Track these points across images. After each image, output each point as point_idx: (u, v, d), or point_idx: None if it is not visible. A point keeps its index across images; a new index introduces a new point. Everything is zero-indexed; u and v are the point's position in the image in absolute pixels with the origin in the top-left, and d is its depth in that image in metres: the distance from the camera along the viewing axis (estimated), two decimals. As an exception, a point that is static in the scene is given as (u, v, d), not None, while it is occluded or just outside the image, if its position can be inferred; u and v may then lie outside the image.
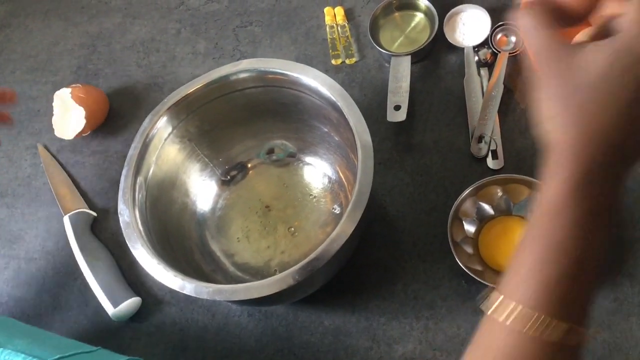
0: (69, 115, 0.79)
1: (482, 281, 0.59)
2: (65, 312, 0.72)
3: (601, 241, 0.34)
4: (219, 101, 0.67)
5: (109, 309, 0.67)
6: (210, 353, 0.66)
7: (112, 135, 0.81)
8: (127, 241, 0.59)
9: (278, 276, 0.54)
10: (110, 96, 0.83)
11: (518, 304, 0.34)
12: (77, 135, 0.78)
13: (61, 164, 0.81)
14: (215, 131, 0.70)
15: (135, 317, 0.69)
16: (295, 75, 0.63)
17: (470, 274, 0.60)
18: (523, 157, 0.68)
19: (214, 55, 0.84)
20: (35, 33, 0.94)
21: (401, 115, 0.69)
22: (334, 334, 0.64)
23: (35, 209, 0.79)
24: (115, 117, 0.81)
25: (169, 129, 0.66)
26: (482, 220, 0.65)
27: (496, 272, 0.62)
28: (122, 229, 0.59)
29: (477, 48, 0.74)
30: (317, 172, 0.71)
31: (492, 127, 0.69)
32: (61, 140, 0.82)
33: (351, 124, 0.58)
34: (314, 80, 0.61)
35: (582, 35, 0.38)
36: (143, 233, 0.59)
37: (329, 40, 0.80)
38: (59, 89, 0.85)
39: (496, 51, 0.74)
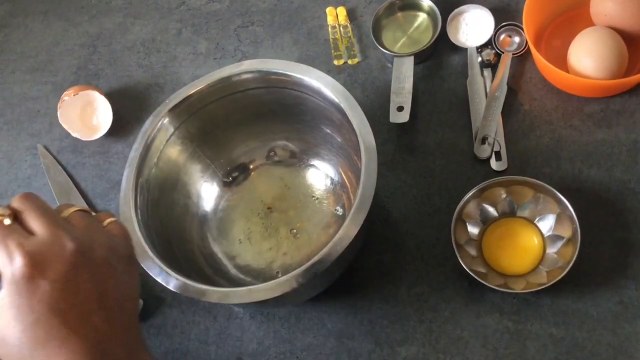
0: (94, 116, 0.80)
1: (485, 283, 0.59)
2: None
3: None
4: (221, 102, 0.66)
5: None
6: (212, 355, 0.65)
7: (112, 136, 0.81)
8: (128, 243, 0.58)
9: (281, 279, 0.53)
10: (111, 97, 0.82)
11: None
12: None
13: (61, 165, 0.80)
14: (217, 132, 0.69)
15: (137, 319, 0.69)
16: (298, 76, 0.62)
17: (474, 276, 0.59)
18: (527, 158, 0.68)
19: (215, 55, 0.84)
20: (35, 33, 0.93)
21: (404, 117, 0.69)
22: (337, 337, 0.64)
23: (35, 210, 0.78)
24: (116, 117, 0.80)
25: (171, 130, 0.65)
26: (485, 222, 0.65)
27: (500, 275, 0.62)
28: (124, 231, 0.59)
29: (480, 49, 0.74)
30: (319, 174, 0.71)
31: (496, 129, 0.69)
32: (61, 140, 0.82)
33: (354, 125, 0.58)
34: (317, 81, 0.61)
35: None
36: (145, 235, 0.59)
37: (331, 40, 0.80)
38: (59, 90, 0.85)
39: (500, 52, 0.73)
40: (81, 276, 0.40)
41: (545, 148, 0.68)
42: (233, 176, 0.73)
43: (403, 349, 0.62)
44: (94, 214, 0.46)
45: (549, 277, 0.60)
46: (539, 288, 0.58)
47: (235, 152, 0.72)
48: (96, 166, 0.79)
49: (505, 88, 0.70)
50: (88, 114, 0.80)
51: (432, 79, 0.75)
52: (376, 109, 0.73)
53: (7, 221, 0.40)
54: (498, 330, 0.61)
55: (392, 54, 0.75)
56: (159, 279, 0.56)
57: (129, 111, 0.82)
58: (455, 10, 0.76)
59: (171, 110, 0.64)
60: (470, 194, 0.63)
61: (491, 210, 0.64)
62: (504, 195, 0.64)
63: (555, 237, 0.62)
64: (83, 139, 0.79)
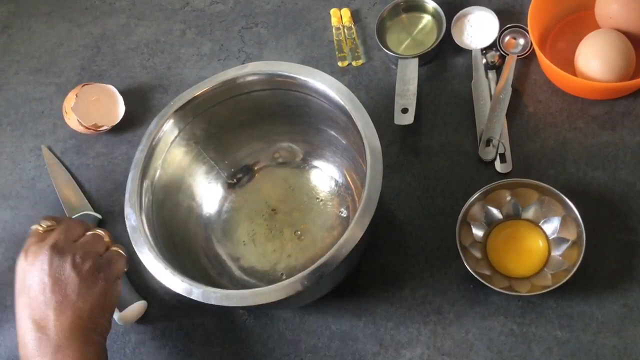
0: (108, 107, 0.80)
1: (490, 286, 0.59)
2: (70, 315, 0.71)
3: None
4: (226, 104, 0.66)
5: (115, 312, 0.67)
6: (216, 358, 0.65)
7: (116, 137, 0.81)
8: (133, 245, 0.58)
9: (286, 282, 0.53)
10: (115, 98, 0.82)
11: None
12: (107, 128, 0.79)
13: (65, 166, 0.80)
14: (222, 134, 0.69)
15: (141, 320, 0.69)
16: (303, 78, 0.62)
17: (479, 278, 0.59)
18: (531, 160, 0.68)
19: (219, 56, 0.84)
20: (38, 34, 0.93)
21: (408, 118, 0.69)
22: (341, 339, 0.64)
23: (39, 211, 0.78)
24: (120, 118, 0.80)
25: (176, 132, 0.65)
26: (490, 224, 0.65)
27: (505, 277, 0.62)
28: (129, 233, 0.59)
29: (485, 50, 0.74)
30: (323, 176, 0.71)
31: (500, 131, 0.69)
32: (65, 142, 0.82)
33: (359, 127, 0.58)
34: (322, 83, 0.61)
35: None
36: (149, 237, 0.59)
37: (335, 42, 0.80)
38: (62, 91, 0.85)
39: (504, 54, 0.73)
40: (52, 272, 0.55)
41: (550, 150, 0.68)
42: (237, 178, 0.73)
43: (407, 351, 0.62)
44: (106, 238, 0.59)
45: (553, 280, 0.59)
46: (544, 291, 0.58)
47: (239, 153, 0.72)
48: (100, 167, 0.79)
49: (509, 90, 0.70)
50: (103, 105, 0.80)
51: (437, 80, 0.75)
52: (380, 110, 0.73)
53: (40, 229, 0.58)
54: (503, 332, 0.61)
55: (397, 55, 0.75)
56: (163, 281, 0.56)
57: (133, 112, 0.82)
58: (460, 12, 0.76)
59: (176, 112, 0.64)
60: (474, 197, 0.63)
61: (496, 212, 0.64)
62: (508, 198, 0.64)
63: (560, 240, 0.62)
64: (100, 125, 0.79)
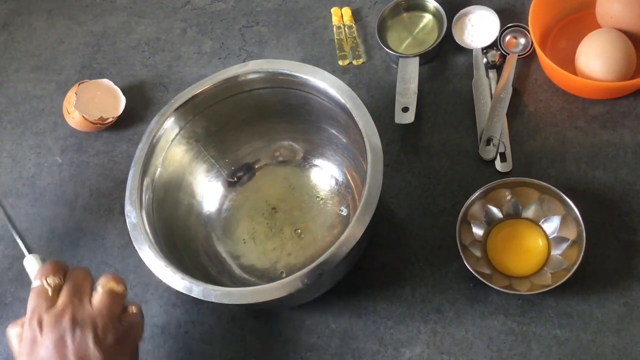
0: (109, 101, 0.81)
1: (490, 285, 0.59)
2: (70, 313, 0.71)
3: None
4: (226, 102, 0.66)
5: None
6: (216, 356, 0.65)
7: (116, 135, 0.81)
8: (134, 243, 0.58)
9: (286, 280, 0.53)
10: (115, 96, 0.82)
11: None
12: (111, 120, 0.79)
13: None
14: (222, 132, 0.69)
15: (141, 318, 0.69)
16: (304, 76, 0.62)
17: (479, 277, 0.59)
18: (532, 159, 0.68)
19: (220, 55, 0.84)
20: (39, 32, 0.93)
21: (409, 117, 0.69)
22: (341, 337, 0.64)
23: (39, 209, 0.79)
24: (120, 116, 0.80)
25: (176, 130, 0.65)
26: (490, 223, 0.65)
27: (505, 276, 0.62)
28: (129, 231, 0.59)
29: (485, 50, 0.74)
30: (324, 174, 0.71)
31: (501, 130, 0.69)
32: (65, 139, 0.82)
33: (360, 126, 0.58)
34: (323, 82, 0.61)
35: None
36: (150, 234, 0.59)
37: (336, 41, 0.80)
38: (63, 88, 0.85)
39: (505, 53, 0.73)
40: (64, 347, 0.49)
41: (550, 149, 0.68)
42: (238, 176, 0.73)
43: (407, 350, 0.62)
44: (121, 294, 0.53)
45: (553, 279, 0.60)
46: (544, 290, 0.58)
47: (240, 152, 0.72)
48: (100, 165, 0.79)
49: (510, 89, 0.70)
50: (103, 100, 0.80)
51: (438, 79, 0.75)
52: (381, 109, 0.73)
53: (47, 288, 0.52)
54: (503, 331, 0.61)
55: (397, 54, 0.75)
56: (163, 279, 0.56)
57: (134, 110, 0.82)
58: (461, 11, 0.76)
59: (177, 109, 0.64)
60: (475, 195, 0.63)
61: (496, 211, 0.64)
62: (509, 197, 0.64)
63: (560, 239, 0.62)
64: (106, 118, 0.79)
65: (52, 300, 0.50)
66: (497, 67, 0.73)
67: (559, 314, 0.61)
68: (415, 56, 0.74)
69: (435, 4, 0.77)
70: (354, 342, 0.63)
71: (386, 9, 0.78)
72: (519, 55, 0.73)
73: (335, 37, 0.80)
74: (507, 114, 0.70)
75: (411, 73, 0.72)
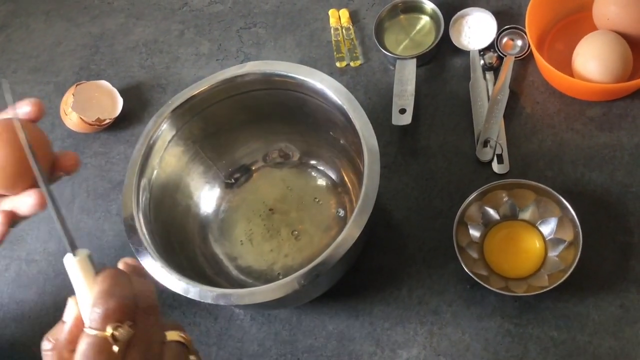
0: (106, 102, 0.81)
1: (487, 286, 0.59)
2: (67, 314, 0.71)
3: None
4: (224, 103, 0.66)
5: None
6: (213, 357, 0.65)
7: (114, 137, 0.81)
8: (130, 244, 0.58)
9: (283, 281, 0.53)
10: (113, 97, 0.82)
11: None
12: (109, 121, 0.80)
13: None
14: (219, 133, 0.69)
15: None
16: (301, 78, 0.62)
17: (476, 279, 0.59)
18: (529, 161, 0.68)
19: (218, 56, 0.84)
20: (37, 33, 0.93)
21: (406, 119, 0.69)
22: (338, 339, 0.64)
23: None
24: (118, 118, 0.80)
25: (173, 131, 0.65)
26: (487, 225, 0.65)
27: (501, 278, 0.62)
28: (126, 232, 0.59)
29: (482, 52, 0.74)
30: (321, 176, 0.71)
31: (498, 132, 0.69)
32: (62, 140, 0.82)
33: (357, 127, 0.58)
34: (320, 84, 0.61)
35: None
36: (147, 236, 0.59)
37: (333, 42, 0.80)
38: (61, 90, 0.85)
39: (502, 55, 0.73)
40: None
41: (547, 151, 0.68)
42: (235, 177, 0.73)
43: (404, 352, 0.62)
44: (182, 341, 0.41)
45: (550, 281, 0.60)
46: (541, 291, 0.58)
47: (237, 153, 0.72)
48: (98, 167, 0.79)
49: (507, 91, 0.70)
50: (101, 101, 0.80)
51: (435, 81, 0.75)
52: (378, 111, 0.73)
53: (109, 338, 0.35)
54: (499, 333, 0.61)
55: (395, 56, 0.75)
56: (160, 280, 0.56)
57: (131, 112, 0.82)
58: (458, 13, 0.76)
59: (174, 111, 0.64)
60: (472, 197, 0.63)
61: (493, 213, 0.64)
62: (505, 198, 0.64)
63: (556, 241, 0.62)
64: (103, 119, 0.79)
65: None
66: (494, 69, 0.73)
67: (556, 315, 0.61)
68: (412, 58, 0.74)
69: (433, 6, 0.77)
70: (350, 343, 0.63)
71: (383, 10, 0.78)
72: (516, 57, 0.73)
73: (333, 38, 0.80)
74: (504, 116, 0.70)
75: (408, 75, 0.73)
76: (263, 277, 0.67)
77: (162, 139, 0.64)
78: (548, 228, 0.63)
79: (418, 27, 0.79)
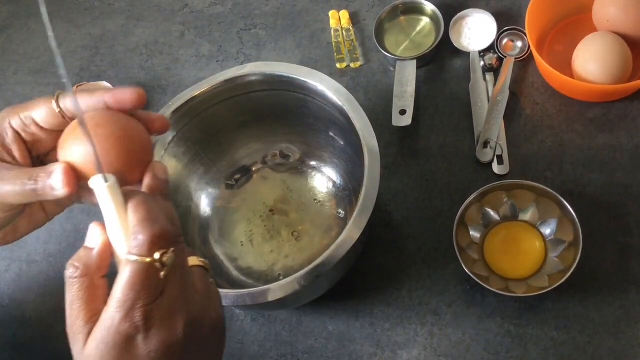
0: None
1: (487, 287, 0.59)
2: (67, 315, 0.71)
3: None
4: (224, 105, 0.67)
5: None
6: (213, 358, 0.65)
7: (115, 138, 0.81)
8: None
9: (283, 281, 0.53)
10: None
11: None
12: None
13: None
14: (220, 135, 0.69)
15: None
16: (301, 79, 0.62)
17: (476, 279, 0.59)
18: (529, 162, 0.68)
19: (218, 58, 0.84)
20: (37, 34, 0.93)
21: (406, 120, 0.69)
22: (338, 340, 0.64)
23: (37, 212, 0.78)
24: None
25: (173, 133, 0.65)
26: (487, 226, 0.65)
27: (502, 278, 0.62)
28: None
29: (482, 53, 0.74)
30: (321, 176, 0.71)
31: (498, 133, 0.69)
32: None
33: (357, 128, 0.58)
34: (320, 85, 0.61)
35: None
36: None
37: (333, 43, 0.80)
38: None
39: (502, 56, 0.74)
40: (175, 355, 0.36)
41: (547, 152, 0.68)
42: (235, 178, 0.73)
43: (404, 352, 0.62)
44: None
45: (550, 281, 0.60)
46: (541, 292, 0.58)
47: (237, 154, 0.72)
48: (98, 168, 0.79)
49: (507, 92, 0.70)
50: None
51: (435, 82, 0.75)
52: (379, 112, 0.74)
53: (163, 274, 0.35)
54: (500, 334, 0.61)
55: (395, 57, 0.75)
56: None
57: (132, 113, 0.82)
58: (458, 14, 0.76)
59: (174, 112, 0.64)
60: (472, 198, 0.63)
61: (493, 214, 0.64)
62: (505, 199, 0.64)
63: (557, 241, 0.62)
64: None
65: (161, 286, 0.35)
66: (494, 70, 0.73)
67: (556, 316, 0.61)
68: (412, 59, 0.74)
69: (433, 7, 0.77)
70: (351, 344, 0.63)
71: (384, 12, 0.78)
72: (516, 59, 0.73)
73: (333, 40, 0.80)
74: (504, 117, 0.70)
75: (409, 76, 0.73)
76: (263, 278, 0.67)
77: (162, 140, 0.64)
78: (548, 229, 0.63)
79: (418, 29, 0.79)
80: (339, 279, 0.61)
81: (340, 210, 0.69)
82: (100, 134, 0.37)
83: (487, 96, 0.72)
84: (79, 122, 0.37)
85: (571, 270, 0.58)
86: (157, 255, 0.34)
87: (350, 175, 0.68)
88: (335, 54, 0.79)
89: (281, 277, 0.66)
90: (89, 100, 0.40)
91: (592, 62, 0.66)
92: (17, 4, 0.97)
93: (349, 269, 0.62)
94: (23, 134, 0.42)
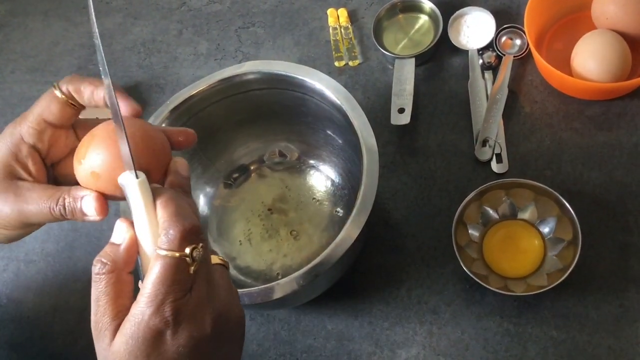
0: None
1: (486, 286, 0.59)
2: (65, 315, 0.71)
3: None
4: (222, 103, 0.66)
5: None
6: (212, 357, 0.65)
7: (112, 137, 0.81)
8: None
9: (282, 281, 0.53)
10: (111, 97, 0.82)
11: None
12: None
13: None
14: (218, 133, 0.69)
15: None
16: (300, 77, 0.62)
17: (475, 278, 0.59)
18: (527, 160, 0.68)
19: (216, 56, 0.84)
20: (35, 33, 0.93)
21: (405, 118, 0.69)
22: (337, 339, 0.64)
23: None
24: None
25: (172, 131, 0.65)
26: (486, 224, 0.65)
27: (501, 277, 0.62)
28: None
29: (481, 51, 0.74)
30: (320, 175, 0.71)
31: (497, 131, 0.69)
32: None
33: (356, 127, 0.58)
34: (319, 83, 0.61)
35: None
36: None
37: (332, 42, 0.80)
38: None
39: (501, 54, 0.73)
40: (203, 349, 0.36)
41: (546, 150, 0.68)
42: (233, 177, 0.73)
43: (403, 351, 0.62)
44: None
45: (549, 280, 0.60)
46: (540, 291, 0.58)
47: (235, 153, 0.72)
48: (96, 167, 0.79)
49: (506, 90, 0.70)
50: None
51: (433, 81, 0.75)
52: (377, 110, 0.73)
53: (192, 269, 0.35)
54: (499, 332, 0.61)
55: (393, 55, 0.75)
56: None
57: (130, 112, 0.82)
58: (457, 12, 0.76)
59: (172, 111, 0.64)
60: (471, 197, 0.63)
61: (492, 212, 0.64)
62: (504, 198, 0.64)
63: (556, 240, 0.62)
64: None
65: (190, 282, 0.36)
66: (493, 68, 0.73)
67: (555, 315, 0.61)
68: (411, 57, 0.74)
69: (431, 5, 0.77)
70: (350, 343, 0.63)
71: (382, 10, 0.78)
72: (514, 57, 0.73)
73: (332, 38, 0.80)
74: (503, 115, 0.70)
75: (407, 74, 0.72)
76: (262, 277, 0.67)
77: (160, 139, 0.64)
78: (547, 227, 0.63)
79: (417, 27, 0.78)
80: (338, 278, 0.61)
81: (338, 209, 0.69)
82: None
83: (486, 94, 0.72)
84: (115, 120, 0.38)
85: (570, 269, 0.58)
86: (187, 250, 0.35)
87: (349, 173, 0.68)
88: (334, 52, 0.79)
89: (280, 276, 0.66)
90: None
91: (591, 60, 0.66)
92: (14, 2, 0.97)
93: (348, 268, 0.62)
94: (39, 144, 0.43)
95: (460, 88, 0.73)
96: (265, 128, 0.71)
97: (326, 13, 0.82)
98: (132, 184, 0.36)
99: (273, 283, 0.53)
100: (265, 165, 0.73)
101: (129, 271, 0.37)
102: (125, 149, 0.37)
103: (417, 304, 0.64)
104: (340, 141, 0.67)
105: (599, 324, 0.60)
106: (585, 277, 0.61)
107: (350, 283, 0.65)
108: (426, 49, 0.74)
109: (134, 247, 0.37)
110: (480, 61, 0.73)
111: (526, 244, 0.63)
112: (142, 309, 0.34)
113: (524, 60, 0.73)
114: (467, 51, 0.74)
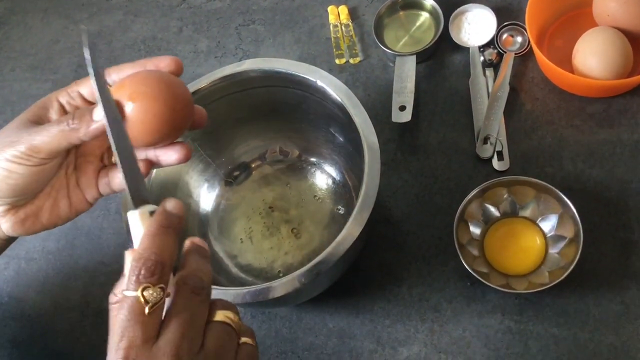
0: None
1: (487, 283, 0.59)
2: (66, 313, 0.71)
3: None
4: (222, 101, 0.66)
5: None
6: (213, 355, 0.65)
7: (113, 135, 0.81)
8: (129, 242, 0.58)
9: (284, 279, 0.53)
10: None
11: None
12: None
13: None
14: (219, 131, 0.69)
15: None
16: (300, 75, 0.62)
17: (476, 276, 0.59)
18: (529, 158, 0.68)
19: (216, 53, 0.84)
20: (34, 31, 0.93)
21: (406, 116, 0.69)
22: (339, 336, 0.64)
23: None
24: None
25: (172, 129, 0.65)
26: (487, 222, 0.65)
27: (502, 275, 0.62)
28: (125, 230, 0.59)
29: (482, 48, 0.74)
30: (321, 173, 0.71)
31: (498, 128, 0.69)
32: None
33: (357, 124, 0.58)
34: (320, 81, 0.61)
35: None
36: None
37: (332, 39, 0.80)
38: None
39: (502, 51, 0.73)
40: None
41: (547, 148, 0.68)
42: (234, 175, 0.73)
43: (405, 349, 0.62)
44: (233, 320, 0.39)
45: (551, 278, 0.59)
46: (541, 288, 0.58)
47: (236, 151, 0.72)
48: (97, 165, 0.79)
49: (507, 88, 0.70)
50: None
51: (434, 78, 0.75)
52: (378, 108, 0.73)
53: (146, 310, 0.33)
54: (500, 330, 0.61)
55: (394, 53, 0.75)
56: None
57: (130, 109, 0.81)
58: (458, 9, 0.76)
59: (173, 109, 0.64)
60: (472, 194, 0.63)
61: (493, 210, 0.64)
62: (506, 195, 0.64)
63: (557, 237, 0.62)
64: None
65: (150, 327, 0.34)
66: (494, 65, 0.73)
67: (557, 312, 0.61)
68: (412, 54, 0.74)
69: (432, 2, 0.77)
70: (351, 341, 0.63)
71: (383, 7, 0.78)
72: (515, 54, 0.73)
73: (332, 35, 0.80)
74: (504, 113, 0.70)
75: (408, 71, 0.72)
76: (263, 275, 0.67)
77: (161, 137, 0.64)
78: (548, 225, 0.63)
79: (417, 24, 0.78)
80: (339, 276, 0.61)
81: (339, 207, 0.68)
82: (148, 83, 0.43)
83: (487, 92, 0.72)
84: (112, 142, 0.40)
85: (572, 267, 0.58)
86: (141, 293, 0.33)
87: (350, 171, 0.68)
88: (334, 50, 0.79)
89: (281, 274, 0.66)
90: (132, 67, 0.46)
91: (593, 57, 0.66)
92: (13, 0, 0.96)
93: (349, 266, 0.62)
94: (67, 107, 0.47)
95: (461, 85, 0.73)
96: (265, 126, 0.70)
97: (327, 10, 0.82)
98: (133, 215, 0.37)
99: (275, 281, 0.53)
100: (266, 163, 0.73)
101: None
102: (125, 186, 0.39)
103: (419, 302, 0.64)
104: (341, 139, 0.66)
105: (600, 321, 0.60)
106: (586, 274, 0.61)
107: (352, 281, 0.65)
108: (427, 47, 0.74)
109: None
110: (482, 58, 0.73)
111: (527, 241, 0.63)
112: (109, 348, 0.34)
113: (525, 57, 0.73)
114: (468, 48, 0.74)
